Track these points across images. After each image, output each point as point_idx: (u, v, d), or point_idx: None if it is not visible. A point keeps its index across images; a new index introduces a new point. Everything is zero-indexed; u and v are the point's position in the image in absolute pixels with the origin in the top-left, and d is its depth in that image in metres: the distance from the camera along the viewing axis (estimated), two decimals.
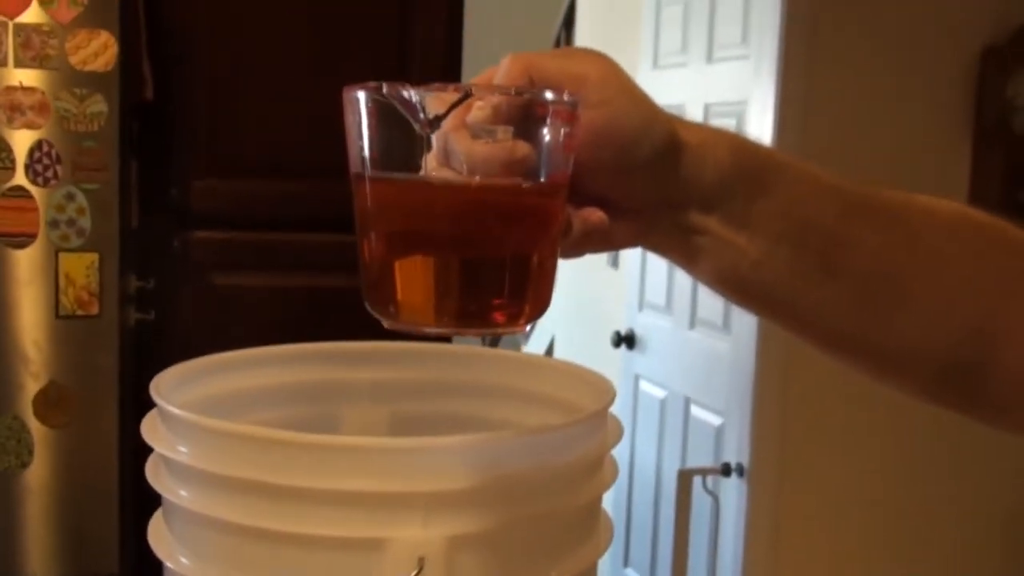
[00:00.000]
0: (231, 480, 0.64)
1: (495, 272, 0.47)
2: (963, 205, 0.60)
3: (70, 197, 1.51)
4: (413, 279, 0.48)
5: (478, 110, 0.46)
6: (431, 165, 0.46)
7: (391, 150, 0.47)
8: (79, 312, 1.51)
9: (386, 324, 0.50)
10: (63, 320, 1.51)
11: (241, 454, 0.65)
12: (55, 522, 1.55)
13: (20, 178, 1.49)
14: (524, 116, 0.45)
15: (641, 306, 3.26)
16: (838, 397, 2.56)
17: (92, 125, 1.50)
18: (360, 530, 0.62)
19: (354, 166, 0.48)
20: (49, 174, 1.50)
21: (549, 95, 0.46)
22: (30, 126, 1.49)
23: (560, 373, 0.83)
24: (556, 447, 0.68)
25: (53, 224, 1.50)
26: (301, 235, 1.75)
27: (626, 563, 3.46)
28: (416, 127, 0.44)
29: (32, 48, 1.46)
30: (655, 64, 3.15)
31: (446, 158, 0.46)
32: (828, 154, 2.50)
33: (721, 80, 2.83)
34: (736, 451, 2.73)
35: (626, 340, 3.20)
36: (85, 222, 1.50)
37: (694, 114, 2.94)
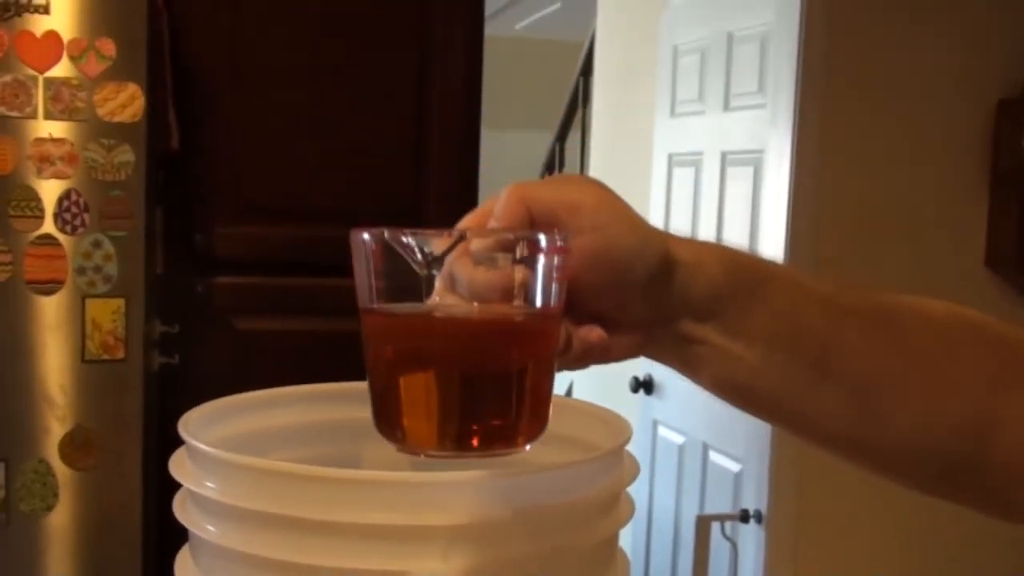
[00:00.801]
0: (256, 514, 0.66)
1: (495, 397, 0.51)
2: (953, 304, 0.63)
3: (97, 244, 1.54)
4: (416, 405, 0.52)
5: (479, 240, 0.50)
6: (438, 288, 0.50)
7: (395, 285, 0.51)
8: (105, 357, 1.54)
9: (395, 448, 0.53)
10: (89, 364, 1.53)
11: (266, 489, 0.67)
12: (79, 564, 1.57)
13: (49, 226, 1.53)
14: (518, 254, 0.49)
15: None
16: None
17: (119, 174, 1.54)
18: (381, 563, 0.63)
19: (362, 301, 0.52)
20: (77, 222, 1.53)
21: (541, 236, 0.49)
22: (59, 176, 1.53)
23: (577, 412, 0.84)
24: (573, 483, 0.69)
25: (80, 271, 1.53)
26: (321, 280, 1.78)
27: None
28: (416, 268, 0.48)
29: (62, 101, 1.50)
30: (672, 112, 3.18)
31: (452, 283, 0.50)
32: (844, 202, 2.52)
33: (738, 128, 2.86)
34: (755, 498, 2.72)
35: (644, 385, 3.20)
36: (111, 268, 1.54)
37: (712, 161, 2.96)
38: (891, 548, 2.73)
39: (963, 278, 2.57)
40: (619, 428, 0.74)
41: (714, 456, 3.02)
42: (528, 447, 0.55)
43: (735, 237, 2.85)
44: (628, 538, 3.13)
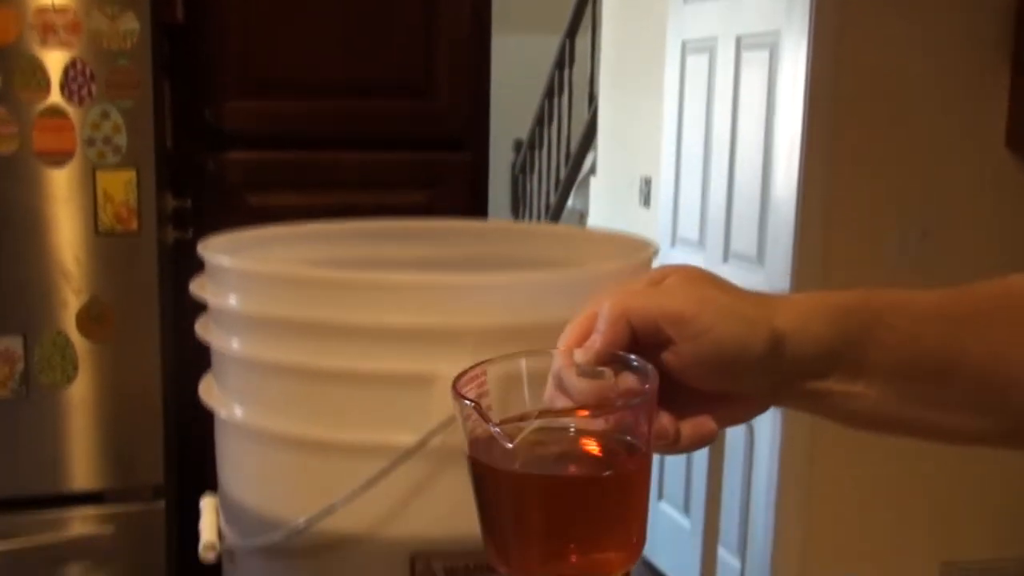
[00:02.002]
0: (281, 322, 0.65)
1: (588, 538, 0.52)
2: None
3: (105, 115, 1.51)
4: (528, 555, 0.52)
5: (582, 354, 0.52)
6: (548, 393, 0.53)
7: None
8: (118, 229, 1.52)
9: None
10: (102, 237, 1.52)
11: (290, 296, 0.66)
12: (101, 435, 1.57)
13: (56, 97, 1.50)
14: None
15: (674, 242, 3.25)
16: None
17: (125, 43, 1.51)
18: (410, 365, 0.62)
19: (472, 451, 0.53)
20: (84, 92, 1.50)
21: (619, 404, 0.51)
22: (63, 45, 1.50)
23: (601, 240, 0.83)
24: (605, 283, 0.68)
25: (89, 142, 1.51)
26: (333, 153, 1.76)
27: (660, 496, 3.48)
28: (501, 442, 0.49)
29: None
30: None
31: (559, 386, 0.53)
32: (863, 84, 2.48)
33: (753, 11, 2.80)
34: None
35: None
36: (121, 139, 1.51)
37: (726, 46, 2.91)
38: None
39: (983, 160, 2.54)
40: (644, 244, 0.73)
41: None
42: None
43: (750, 125, 2.82)
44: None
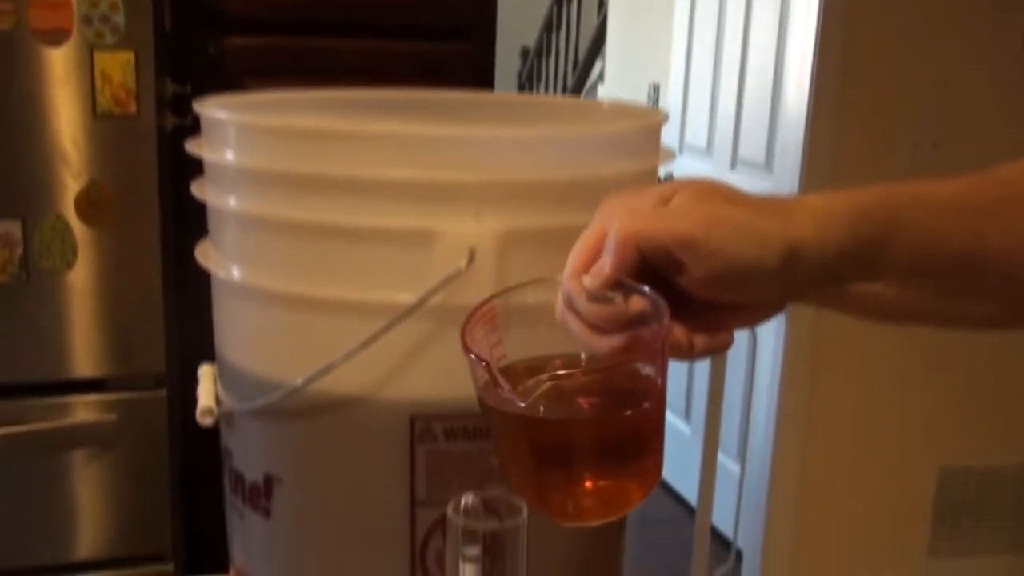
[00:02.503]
0: (279, 177, 0.64)
1: (617, 480, 0.53)
2: None
3: None
4: (546, 491, 0.52)
5: (591, 280, 0.51)
6: (558, 310, 0.53)
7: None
8: (116, 111, 1.50)
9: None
10: (101, 119, 1.50)
11: (288, 149, 0.64)
12: (102, 322, 1.57)
13: None
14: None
15: (681, 149, 3.22)
16: None
17: None
18: (409, 221, 0.61)
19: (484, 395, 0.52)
20: None
21: (631, 364, 0.51)
22: None
23: (607, 111, 0.80)
24: (611, 150, 0.66)
25: (86, 20, 1.47)
26: (337, 40, 1.72)
27: None
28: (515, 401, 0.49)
29: None
30: None
31: (570, 308, 0.52)
32: (872, 35, 2.42)
33: None
34: None
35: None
36: (119, 18, 1.48)
37: None
38: (912, 336, 2.74)
39: (998, 69, 2.50)
40: (652, 112, 0.71)
41: None
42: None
43: (762, 30, 2.76)
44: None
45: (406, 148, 0.60)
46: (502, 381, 0.49)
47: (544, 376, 0.50)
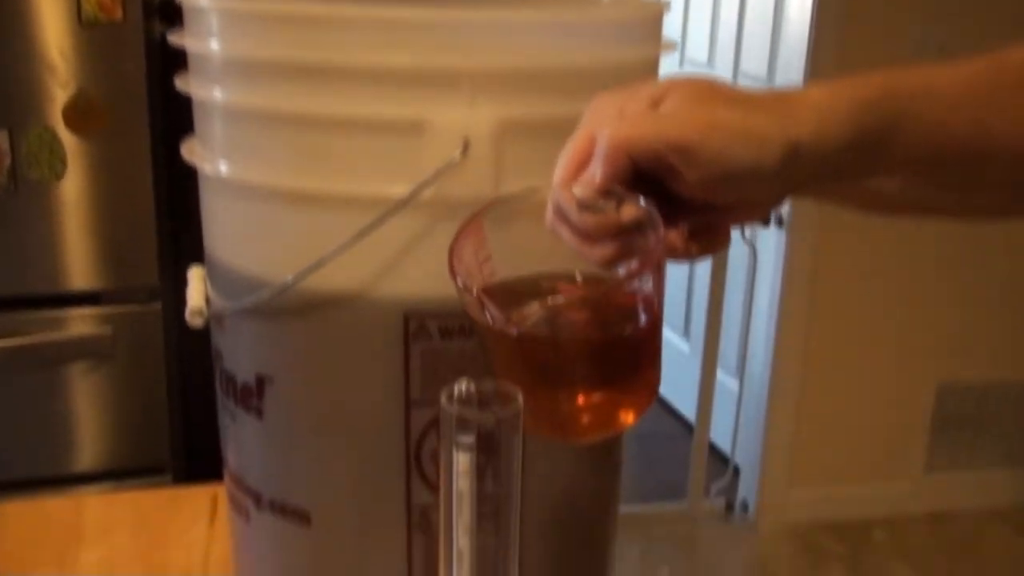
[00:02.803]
0: (265, 64, 0.61)
1: (613, 397, 0.52)
2: None
3: None
4: (541, 408, 0.51)
5: (581, 189, 0.49)
6: (548, 217, 0.51)
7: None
8: (102, 18, 1.46)
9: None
10: (87, 28, 1.46)
11: (273, 35, 0.61)
12: (94, 234, 1.55)
13: None
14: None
15: (682, 62, 3.17)
16: None
17: None
18: (400, 110, 0.58)
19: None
20: None
21: (626, 283, 0.49)
22: None
23: (607, 5, 0.77)
24: (612, 37, 0.64)
25: None
26: None
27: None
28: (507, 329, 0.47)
29: None
30: None
31: (560, 217, 0.50)
32: None
33: None
34: None
35: None
36: None
37: None
38: (912, 252, 2.72)
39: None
40: (657, 2, 0.68)
41: None
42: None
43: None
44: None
45: (397, 32, 0.58)
46: (493, 310, 0.47)
47: (535, 305, 0.48)
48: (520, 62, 0.59)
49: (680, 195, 0.50)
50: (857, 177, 0.53)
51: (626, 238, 0.50)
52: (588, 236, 0.50)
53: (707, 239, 0.52)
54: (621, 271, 0.53)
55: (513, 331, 0.47)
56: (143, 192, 1.54)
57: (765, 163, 0.48)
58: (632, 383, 0.52)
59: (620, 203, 0.49)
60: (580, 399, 0.51)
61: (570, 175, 0.50)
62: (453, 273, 0.49)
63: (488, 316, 0.47)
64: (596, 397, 0.52)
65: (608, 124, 0.48)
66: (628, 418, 0.53)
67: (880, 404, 2.82)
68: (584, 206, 0.49)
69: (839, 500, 2.86)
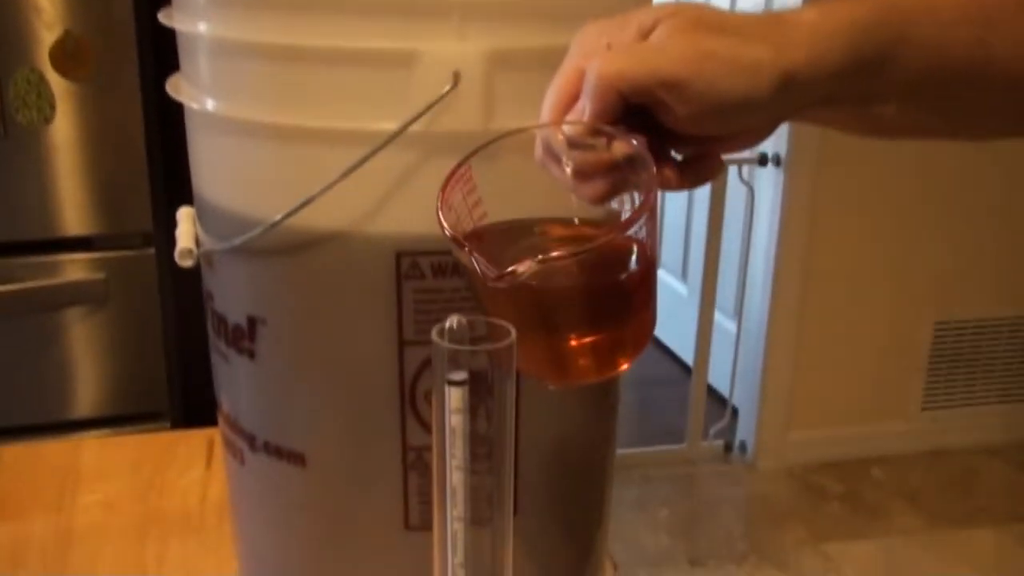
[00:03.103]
0: None
1: (607, 341, 0.51)
2: None
3: None
4: (533, 355, 0.50)
5: (571, 127, 0.48)
6: (537, 153, 0.51)
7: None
8: None
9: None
10: None
11: None
12: (86, 178, 1.53)
13: None
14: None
15: None
16: None
17: None
18: (388, 41, 0.57)
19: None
20: None
21: (619, 233, 0.47)
22: None
23: None
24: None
25: None
26: None
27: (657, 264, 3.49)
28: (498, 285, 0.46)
29: None
30: None
31: (550, 154, 0.50)
32: None
33: None
34: (774, 142, 2.67)
35: None
36: None
37: None
38: (909, 192, 2.71)
39: None
40: None
41: None
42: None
43: None
44: None
45: None
46: (484, 265, 0.46)
47: (527, 261, 0.47)
48: None
49: (671, 127, 0.49)
50: (853, 102, 0.51)
51: (617, 174, 0.49)
52: (578, 173, 0.49)
53: (699, 168, 0.51)
54: (614, 205, 0.52)
55: (503, 285, 0.46)
56: (135, 136, 1.52)
57: (757, 94, 0.47)
58: (627, 326, 0.51)
59: (610, 141, 0.48)
60: (574, 344, 0.51)
61: (559, 111, 0.49)
62: (442, 224, 0.48)
63: (479, 269, 0.46)
64: (590, 342, 0.51)
65: (597, 58, 0.47)
66: (624, 361, 0.52)
67: (878, 343, 2.82)
68: (574, 144, 0.48)
69: (837, 440, 2.88)
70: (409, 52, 0.56)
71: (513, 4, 0.57)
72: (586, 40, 0.49)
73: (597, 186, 0.49)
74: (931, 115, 0.54)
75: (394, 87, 0.57)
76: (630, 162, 0.49)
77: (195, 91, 0.66)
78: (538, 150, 0.50)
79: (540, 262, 0.45)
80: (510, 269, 0.45)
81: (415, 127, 0.57)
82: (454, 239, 0.47)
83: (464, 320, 0.43)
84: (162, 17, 0.66)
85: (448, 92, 0.57)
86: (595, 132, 0.48)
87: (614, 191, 0.50)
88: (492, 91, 0.57)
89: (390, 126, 0.57)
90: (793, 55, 0.47)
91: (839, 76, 0.49)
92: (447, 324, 0.43)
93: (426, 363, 0.63)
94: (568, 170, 0.50)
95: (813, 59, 0.48)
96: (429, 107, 0.57)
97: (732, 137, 0.51)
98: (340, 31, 0.57)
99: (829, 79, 0.48)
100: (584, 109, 0.47)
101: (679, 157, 0.52)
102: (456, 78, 0.57)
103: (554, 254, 0.46)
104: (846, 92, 0.50)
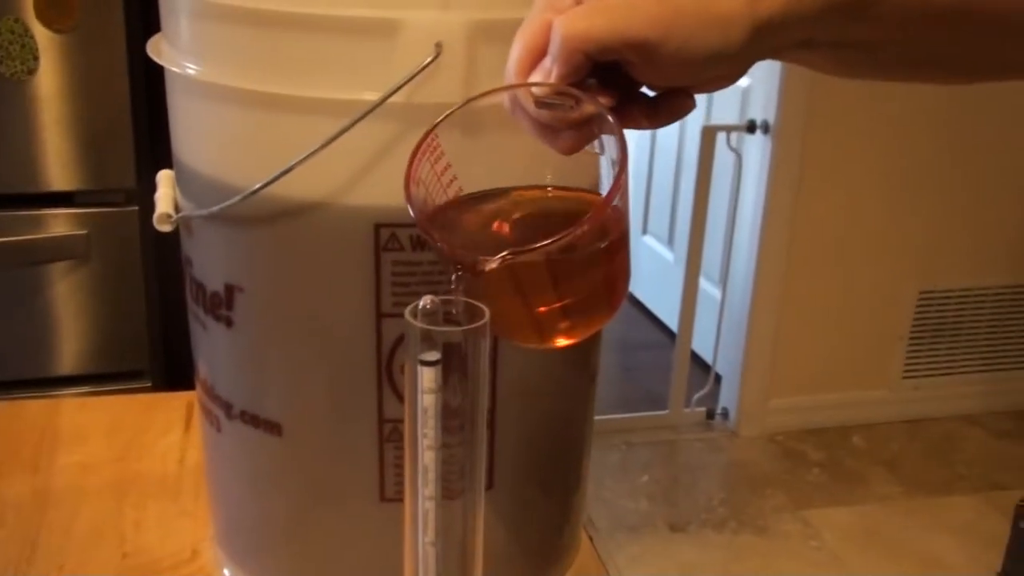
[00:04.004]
0: None
1: (584, 308, 0.51)
2: None
3: None
4: (514, 320, 0.51)
5: (538, 89, 0.47)
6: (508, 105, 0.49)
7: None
8: None
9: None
10: None
11: None
12: (69, 132, 1.52)
13: None
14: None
15: None
16: None
17: None
18: (370, 10, 0.56)
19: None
20: None
21: (593, 219, 0.46)
22: None
23: None
24: None
25: None
26: None
27: (644, 231, 3.48)
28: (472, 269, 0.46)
29: None
30: None
31: (517, 108, 0.48)
32: None
33: None
34: (762, 109, 2.66)
35: None
36: None
37: None
38: (896, 160, 2.71)
39: None
40: None
41: None
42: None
43: None
44: (631, 154, 3.09)
45: None
46: (456, 258, 0.46)
47: (505, 254, 0.46)
48: None
49: (640, 80, 0.48)
50: (830, 45, 0.50)
51: (586, 128, 0.48)
52: (547, 128, 0.49)
53: (670, 107, 0.50)
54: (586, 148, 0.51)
55: (480, 268, 0.46)
56: (119, 92, 1.51)
57: (729, 48, 0.46)
58: (604, 290, 0.51)
59: (578, 102, 0.47)
60: (551, 311, 0.51)
61: (525, 66, 0.48)
62: (412, 210, 0.47)
63: (449, 265, 0.46)
64: (568, 307, 0.51)
65: (564, 18, 0.46)
66: (602, 319, 0.52)
67: (862, 312, 2.83)
68: (541, 104, 0.47)
69: (818, 407, 2.90)
70: (391, 21, 0.56)
71: None
72: None
73: (566, 140, 0.49)
74: (913, 53, 0.52)
75: (376, 57, 0.56)
76: (599, 119, 0.48)
77: (176, 54, 0.65)
78: (507, 102, 0.50)
79: (510, 255, 0.44)
80: (480, 262, 0.44)
81: (396, 98, 0.56)
82: (424, 231, 0.47)
83: (437, 300, 0.43)
84: None
85: (430, 63, 0.56)
86: (562, 93, 0.47)
87: (584, 142, 0.49)
88: (474, 62, 0.57)
89: (371, 96, 0.56)
90: (768, 3, 0.46)
91: (815, 20, 0.47)
92: (420, 304, 0.42)
93: (403, 336, 0.62)
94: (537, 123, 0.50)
95: (789, 6, 0.46)
96: (411, 78, 0.56)
97: (704, 82, 0.50)
98: None
99: (806, 25, 0.47)
100: (551, 70, 0.46)
101: (651, 93, 0.51)
102: (438, 49, 0.56)
103: (523, 249, 0.45)
104: (823, 36, 0.49)
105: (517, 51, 0.48)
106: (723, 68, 0.47)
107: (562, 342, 0.53)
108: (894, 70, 0.54)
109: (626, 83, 0.47)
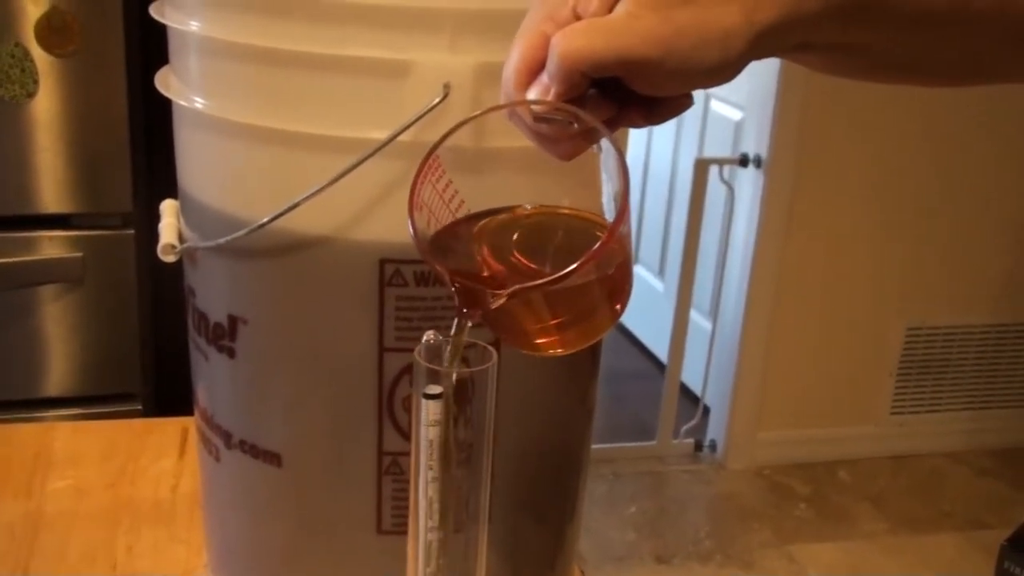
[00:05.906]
0: (244, 1, 0.59)
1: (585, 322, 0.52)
2: None
3: None
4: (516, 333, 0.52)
5: (537, 106, 0.47)
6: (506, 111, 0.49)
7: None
8: None
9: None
10: None
11: None
12: (67, 155, 1.52)
13: None
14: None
15: None
16: (861, 88, 2.49)
17: None
18: (380, 51, 0.57)
19: None
20: None
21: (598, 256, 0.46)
22: None
23: None
24: None
25: None
26: None
27: (636, 260, 3.50)
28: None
29: None
30: None
31: (515, 118, 0.48)
32: None
33: None
34: (755, 143, 2.68)
35: None
36: None
37: None
38: (885, 197, 2.73)
39: None
40: None
41: (715, 105, 2.96)
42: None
43: None
44: None
45: None
46: (463, 287, 0.47)
47: (510, 290, 0.47)
48: (501, 4, 0.57)
49: (638, 91, 0.48)
50: (825, 48, 0.50)
51: (584, 138, 0.48)
52: (545, 138, 0.49)
53: (669, 108, 0.50)
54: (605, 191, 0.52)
55: (477, 318, 0.47)
56: (118, 117, 1.51)
57: (727, 62, 0.46)
58: (605, 308, 0.52)
59: (576, 119, 0.47)
60: (549, 329, 0.51)
61: (522, 79, 0.47)
62: (415, 239, 0.48)
63: (455, 301, 0.47)
64: (566, 325, 0.52)
65: (561, 35, 0.45)
66: (603, 331, 0.54)
67: (850, 347, 2.85)
68: (539, 118, 0.48)
69: (806, 441, 2.91)
70: (401, 63, 0.57)
71: (504, 18, 0.57)
72: (548, 5, 0.48)
73: (564, 149, 0.49)
74: (903, 61, 0.52)
75: (385, 96, 0.58)
76: (598, 132, 0.49)
77: (184, 88, 0.66)
78: (505, 112, 0.49)
79: (513, 292, 0.45)
80: (486, 297, 0.45)
81: (404, 137, 0.57)
82: (425, 259, 0.48)
83: (442, 337, 0.44)
84: (153, 11, 0.66)
85: (438, 103, 0.57)
86: (559, 110, 0.47)
87: (583, 149, 0.49)
88: (481, 103, 0.58)
89: (379, 135, 0.57)
90: (766, 13, 0.46)
91: (813, 26, 0.47)
92: (426, 340, 0.43)
93: (405, 370, 0.63)
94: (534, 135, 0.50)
95: (786, 14, 0.46)
96: (419, 117, 0.57)
97: (699, 87, 0.51)
98: (334, 38, 0.57)
99: (802, 30, 0.47)
100: (549, 87, 0.46)
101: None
102: (447, 89, 0.57)
103: (528, 286, 0.46)
104: (819, 39, 0.49)
105: (514, 63, 0.48)
106: (721, 79, 0.48)
107: (567, 350, 0.54)
108: (888, 72, 0.54)
109: (626, 92, 0.48)
